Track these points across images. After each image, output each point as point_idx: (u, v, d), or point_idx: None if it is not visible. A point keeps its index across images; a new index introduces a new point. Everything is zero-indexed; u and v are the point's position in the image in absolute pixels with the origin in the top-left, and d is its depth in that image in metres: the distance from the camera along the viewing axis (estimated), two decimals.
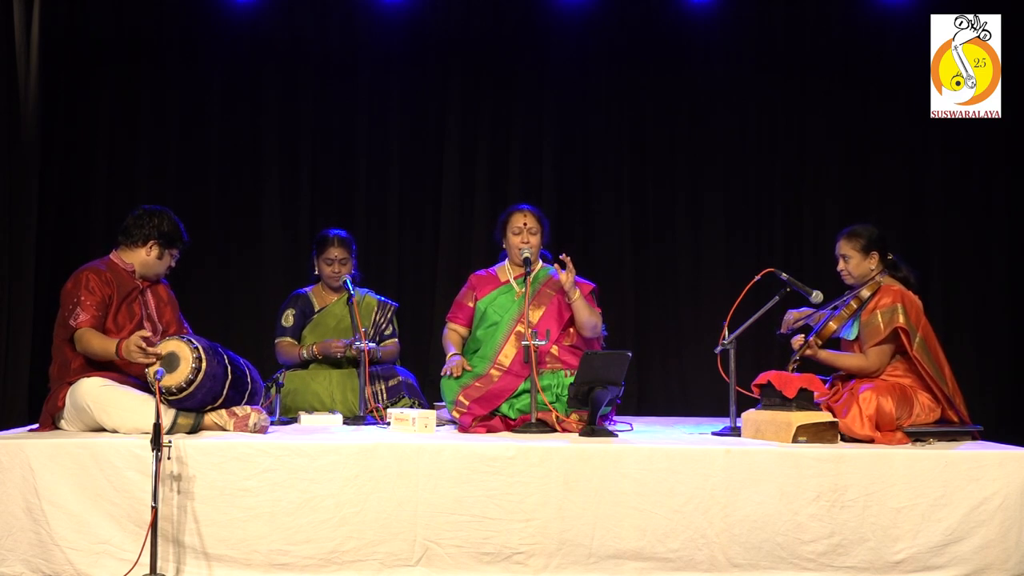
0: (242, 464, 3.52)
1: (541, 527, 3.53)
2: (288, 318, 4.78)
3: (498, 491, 3.54)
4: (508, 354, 4.30)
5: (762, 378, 3.99)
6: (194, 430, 3.68)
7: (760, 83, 5.76)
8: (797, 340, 4.13)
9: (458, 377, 4.22)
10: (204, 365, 3.62)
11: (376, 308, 4.82)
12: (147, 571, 3.33)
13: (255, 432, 3.74)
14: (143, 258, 3.98)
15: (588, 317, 4.30)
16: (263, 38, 5.68)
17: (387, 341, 4.80)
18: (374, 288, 4.98)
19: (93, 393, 3.68)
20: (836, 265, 4.18)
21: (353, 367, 4.63)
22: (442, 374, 4.27)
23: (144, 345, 3.59)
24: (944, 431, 3.90)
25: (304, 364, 4.73)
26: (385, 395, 4.54)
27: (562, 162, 5.76)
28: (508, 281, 4.52)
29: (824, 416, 3.80)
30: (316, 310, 4.82)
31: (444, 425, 4.22)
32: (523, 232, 4.44)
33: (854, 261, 4.12)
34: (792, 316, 4.27)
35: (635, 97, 5.78)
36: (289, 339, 4.77)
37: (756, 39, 5.75)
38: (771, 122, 5.78)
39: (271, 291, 5.52)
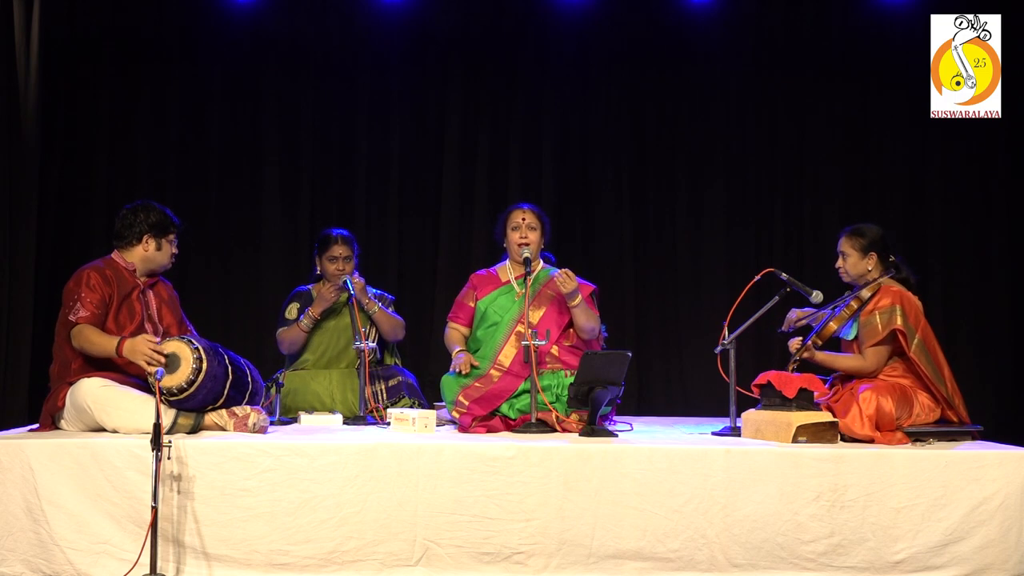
0: (242, 464, 3.52)
1: (541, 527, 3.53)
2: (292, 311, 4.75)
3: (498, 491, 3.54)
4: (508, 354, 4.30)
5: (762, 378, 3.99)
6: (194, 430, 3.68)
7: (760, 83, 5.75)
8: (794, 343, 4.13)
9: (466, 374, 4.21)
10: (205, 366, 3.62)
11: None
12: (147, 571, 3.33)
13: (255, 432, 3.74)
14: (143, 254, 3.99)
15: (587, 321, 4.30)
16: (263, 38, 5.67)
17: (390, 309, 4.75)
18: (374, 287, 4.97)
19: (93, 393, 3.68)
20: (835, 261, 4.18)
21: (353, 367, 4.63)
22: (451, 370, 4.27)
23: (154, 354, 3.60)
24: (944, 431, 3.90)
25: (304, 352, 4.69)
26: (385, 395, 4.54)
27: (562, 162, 5.75)
28: (509, 281, 4.51)
29: (824, 416, 3.80)
30: None
31: (444, 425, 4.22)
32: (521, 227, 4.43)
33: (852, 260, 4.12)
34: (795, 314, 4.27)
35: (635, 97, 5.77)
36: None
37: (756, 39, 5.75)
38: (771, 122, 5.77)
39: (271, 291, 5.51)
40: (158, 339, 3.75)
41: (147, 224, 3.99)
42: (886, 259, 4.13)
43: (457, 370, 4.23)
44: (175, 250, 4.09)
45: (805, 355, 4.06)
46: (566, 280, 4.20)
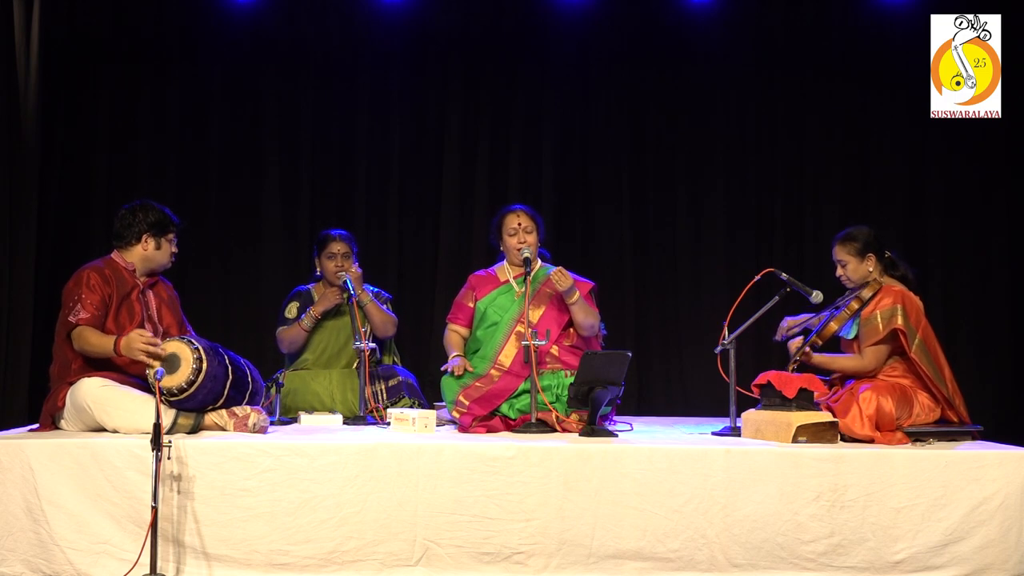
0: (242, 464, 3.53)
1: (541, 527, 3.54)
2: (292, 310, 4.76)
3: (498, 491, 3.54)
4: (508, 354, 4.30)
5: (762, 378, 3.99)
6: (194, 430, 3.68)
7: (760, 83, 5.75)
8: (795, 343, 4.14)
9: (459, 376, 4.22)
10: (205, 366, 3.62)
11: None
12: (147, 571, 3.33)
13: (255, 432, 3.74)
14: (142, 254, 3.99)
15: (585, 317, 4.31)
16: (263, 38, 5.67)
17: (386, 307, 4.76)
18: (372, 286, 4.97)
19: (93, 393, 3.68)
20: (835, 270, 4.18)
21: (352, 366, 4.63)
22: (442, 370, 4.28)
23: (149, 346, 3.60)
24: (944, 431, 3.90)
25: (304, 351, 4.69)
26: (385, 395, 4.54)
27: (562, 162, 5.75)
28: (508, 281, 4.52)
29: (824, 416, 3.80)
30: None
31: (444, 425, 4.22)
32: (519, 232, 4.44)
33: (851, 265, 4.12)
34: (787, 323, 4.27)
35: (635, 97, 5.77)
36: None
37: (756, 39, 5.75)
38: (771, 122, 5.77)
39: (271, 291, 5.51)
40: (158, 339, 3.75)
41: (146, 223, 3.99)
42: (882, 256, 4.13)
43: (449, 371, 4.23)
44: (175, 249, 4.09)
45: (801, 358, 4.06)
46: (561, 278, 4.22)
